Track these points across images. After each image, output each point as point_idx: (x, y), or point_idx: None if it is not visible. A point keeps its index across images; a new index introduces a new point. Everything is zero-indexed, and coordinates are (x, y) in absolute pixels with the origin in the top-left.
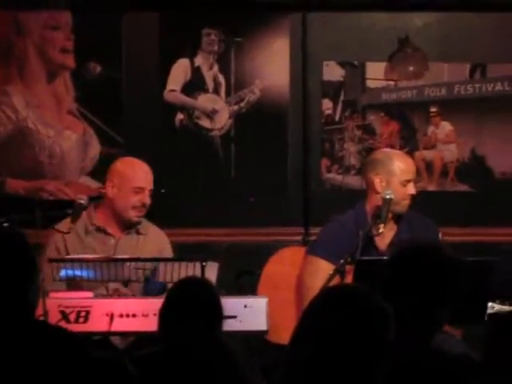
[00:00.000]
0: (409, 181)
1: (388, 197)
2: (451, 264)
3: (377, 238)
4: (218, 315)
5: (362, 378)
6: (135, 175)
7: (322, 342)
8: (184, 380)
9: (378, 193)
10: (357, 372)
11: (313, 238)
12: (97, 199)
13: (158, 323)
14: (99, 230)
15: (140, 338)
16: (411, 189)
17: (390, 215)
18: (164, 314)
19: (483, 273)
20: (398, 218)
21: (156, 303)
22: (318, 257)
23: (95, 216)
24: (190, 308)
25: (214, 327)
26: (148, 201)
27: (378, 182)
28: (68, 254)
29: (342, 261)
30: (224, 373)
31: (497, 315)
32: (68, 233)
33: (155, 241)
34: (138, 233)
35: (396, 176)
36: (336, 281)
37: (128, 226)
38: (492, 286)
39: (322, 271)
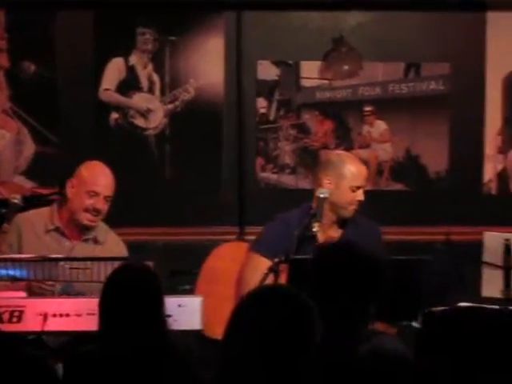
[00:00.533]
0: (359, 187)
1: (322, 196)
2: (372, 262)
3: (320, 240)
4: (160, 298)
5: (289, 376)
6: (93, 179)
7: (250, 340)
8: (126, 375)
9: None
10: (284, 370)
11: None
12: (31, 199)
13: (99, 310)
14: (58, 230)
15: (75, 337)
16: (360, 195)
17: (335, 217)
18: (104, 301)
19: (416, 271)
20: (343, 222)
21: (90, 303)
22: (258, 254)
23: (56, 216)
24: (131, 292)
25: (157, 311)
26: (102, 206)
27: (326, 182)
28: (21, 252)
29: (276, 259)
30: (173, 368)
31: (431, 313)
32: (4, 232)
33: (111, 250)
34: (95, 241)
35: (346, 180)
36: (271, 279)
37: (82, 230)
38: (425, 284)
39: (261, 268)
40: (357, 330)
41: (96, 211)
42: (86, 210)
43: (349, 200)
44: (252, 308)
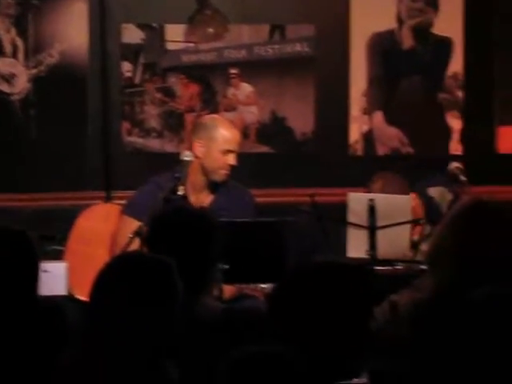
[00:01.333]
0: (230, 151)
1: (186, 159)
2: (204, 225)
3: (193, 203)
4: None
5: (151, 336)
6: None
7: (111, 304)
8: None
9: (197, 157)
10: (146, 329)
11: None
12: None
13: None
14: None
15: None
16: (232, 159)
17: (206, 181)
18: None
19: (280, 233)
20: (215, 186)
21: None
22: (129, 216)
23: None
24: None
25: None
26: None
27: (197, 146)
28: None
29: (141, 223)
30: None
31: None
32: None
33: None
34: None
35: (217, 143)
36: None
37: None
38: (291, 245)
39: (131, 231)
40: (202, 292)
41: None
42: None
43: (220, 164)
44: (111, 275)
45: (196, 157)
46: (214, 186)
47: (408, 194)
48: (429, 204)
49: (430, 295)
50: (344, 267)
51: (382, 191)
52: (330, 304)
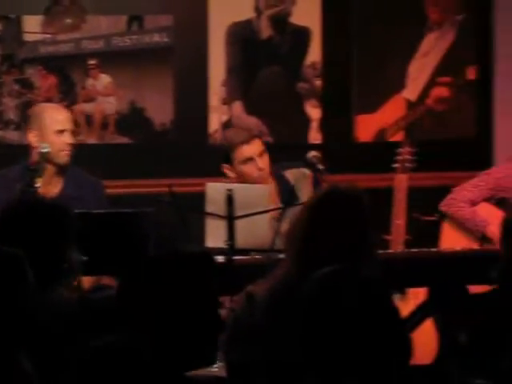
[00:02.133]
0: (62, 130)
1: (44, 150)
2: (59, 215)
3: (42, 194)
4: None
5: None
6: None
7: None
8: None
9: (35, 147)
10: None
11: None
12: None
13: None
14: None
15: None
16: (67, 138)
17: (53, 169)
18: None
19: (140, 223)
20: (63, 175)
21: None
22: None
23: None
24: None
25: None
26: None
27: (31, 136)
28: None
29: None
30: None
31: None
32: None
33: None
34: None
35: (48, 127)
36: None
37: None
38: (151, 236)
39: None
40: (51, 284)
41: None
42: None
43: (58, 145)
44: None
45: (34, 147)
46: (62, 175)
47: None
48: (284, 187)
49: (281, 283)
50: (188, 256)
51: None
52: (175, 293)
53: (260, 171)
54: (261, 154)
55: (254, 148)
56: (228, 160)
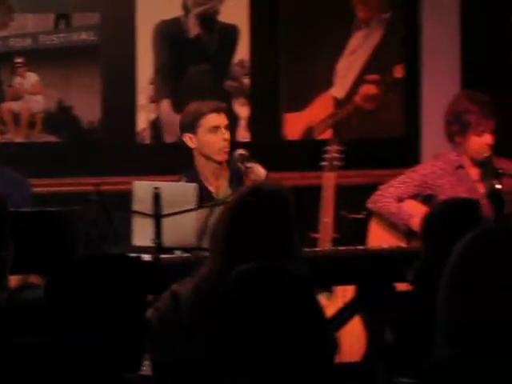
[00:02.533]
0: None
1: None
2: None
3: None
4: None
5: None
6: None
7: None
8: None
9: None
10: None
11: None
12: None
13: None
14: None
15: None
16: None
17: None
18: None
19: (67, 222)
20: None
21: None
22: None
23: None
24: None
25: None
26: None
27: None
28: None
29: None
30: None
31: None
32: None
33: None
34: None
35: None
36: None
37: None
38: (78, 235)
39: None
40: None
41: None
42: None
43: None
44: None
45: None
46: None
47: None
48: (234, 171)
49: (206, 281)
50: (110, 259)
51: None
52: (97, 294)
53: (225, 141)
54: (226, 127)
55: (221, 118)
56: (191, 128)
